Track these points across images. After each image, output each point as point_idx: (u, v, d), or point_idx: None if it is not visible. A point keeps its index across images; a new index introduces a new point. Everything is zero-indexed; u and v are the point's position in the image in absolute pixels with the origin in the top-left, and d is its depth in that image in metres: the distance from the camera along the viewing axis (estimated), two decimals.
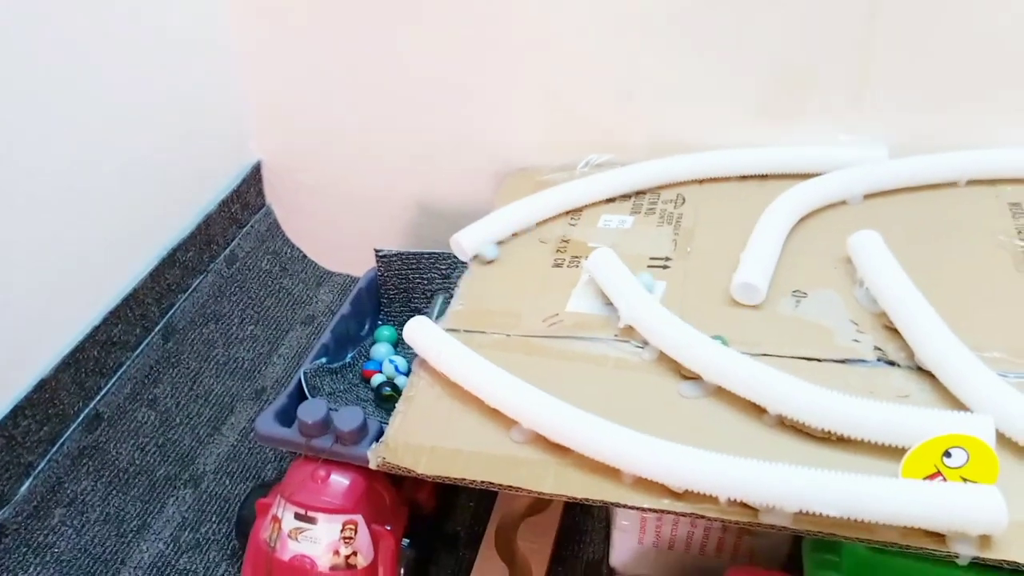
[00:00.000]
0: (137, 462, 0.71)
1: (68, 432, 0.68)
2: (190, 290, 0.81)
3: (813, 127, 0.70)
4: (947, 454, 0.41)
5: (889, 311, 0.52)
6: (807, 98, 0.68)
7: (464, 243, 0.67)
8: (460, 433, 0.51)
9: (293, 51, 0.82)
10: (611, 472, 0.46)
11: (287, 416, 0.60)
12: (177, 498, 0.71)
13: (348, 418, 0.56)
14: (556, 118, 0.78)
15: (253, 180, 0.90)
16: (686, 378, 0.51)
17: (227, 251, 0.86)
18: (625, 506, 0.45)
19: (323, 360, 0.68)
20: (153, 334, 0.77)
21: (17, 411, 0.63)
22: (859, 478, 0.40)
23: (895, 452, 0.43)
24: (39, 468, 0.65)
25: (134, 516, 0.68)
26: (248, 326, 0.85)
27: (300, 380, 0.63)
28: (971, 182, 0.65)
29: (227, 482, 0.72)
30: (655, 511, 0.44)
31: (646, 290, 0.56)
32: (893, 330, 0.51)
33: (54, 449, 0.67)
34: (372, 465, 0.51)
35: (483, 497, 0.70)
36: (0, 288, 0.63)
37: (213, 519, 0.70)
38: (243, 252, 0.88)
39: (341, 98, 0.83)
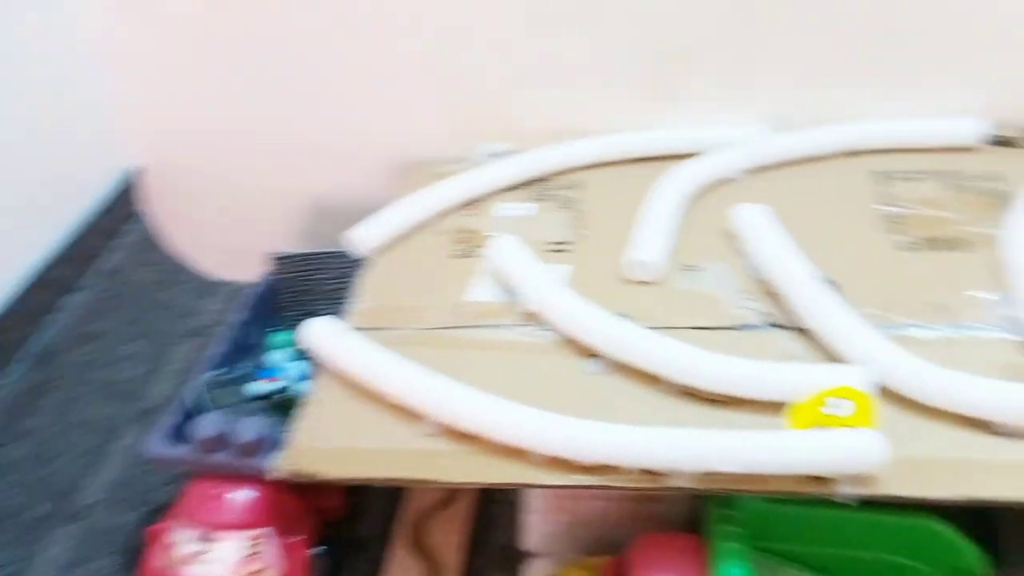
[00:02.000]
0: (11, 503, 0.65)
1: None
2: (62, 310, 0.75)
3: (698, 107, 0.72)
4: (829, 404, 0.44)
5: (772, 277, 0.55)
6: (690, 79, 0.71)
7: (361, 239, 0.65)
8: (367, 432, 0.50)
9: (165, 44, 0.76)
10: (521, 454, 0.46)
11: (179, 434, 0.56)
12: (61, 536, 0.65)
13: (247, 429, 0.53)
14: (450, 109, 0.77)
15: (127, 189, 0.85)
16: (589, 356, 0.52)
17: (101, 266, 0.80)
18: (538, 485, 0.45)
19: (218, 371, 0.64)
20: (22, 362, 0.70)
21: None
22: (753, 434, 0.42)
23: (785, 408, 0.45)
24: None
25: (9, 563, 0.62)
26: (130, 344, 0.79)
27: (192, 395, 0.60)
28: (841, 154, 0.70)
29: (116, 512, 0.67)
30: (567, 487, 0.45)
31: (548, 274, 0.57)
32: (778, 295, 0.54)
33: None
34: (277, 475, 0.49)
35: (392, 496, 0.69)
36: None
37: (103, 553, 0.64)
38: (120, 265, 0.82)
39: (220, 94, 0.78)
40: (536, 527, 0.60)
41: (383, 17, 0.72)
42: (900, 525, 0.51)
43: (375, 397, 0.51)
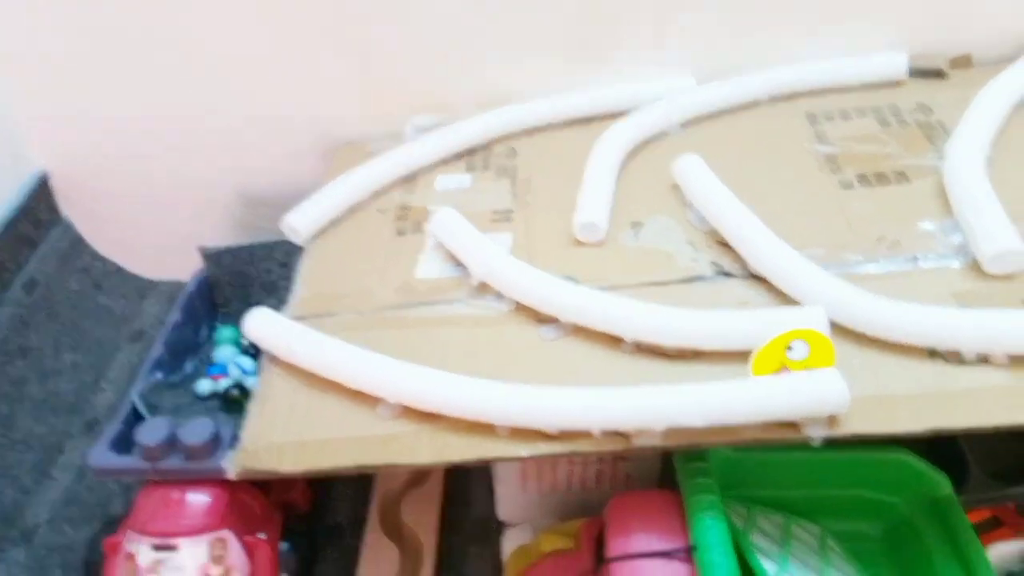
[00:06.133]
0: None
1: None
2: None
3: (627, 64, 0.71)
4: (789, 348, 0.44)
5: (719, 227, 0.54)
6: (616, 37, 0.70)
7: (297, 225, 0.63)
8: (324, 422, 0.48)
9: (54, 39, 0.71)
10: (485, 428, 0.45)
11: (125, 443, 0.53)
12: (11, 560, 0.62)
13: (196, 431, 0.51)
14: (374, 85, 0.75)
15: (42, 194, 0.80)
16: (544, 322, 0.51)
17: (24, 277, 0.76)
18: (504, 458, 0.44)
19: (159, 375, 0.61)
20: None
21: None
22: (717, 386, 0.42)
23: (745, 357, 0.45)
24: None
25: None
26: (66, 355, 0.75)
27: (136, 401, 0.57)
28: (773, 99, 0.70)
29: (67, 529, 0.64)
30: (534, 457, 0.44)
31: (494, 244, 0.55)
32: (726, 244, 0.54)
33: None
34: (232, 475, 0.47)
35: (361, 482, 0.67)
36: None
37: (58, 573, 0.62)
38: (44, 275, 0.78)
39: (122, 86, 0.74)
40: (509, 497, 0.60)
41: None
42: (868, 460, 0.52)
43: (326, 385, 0.49)
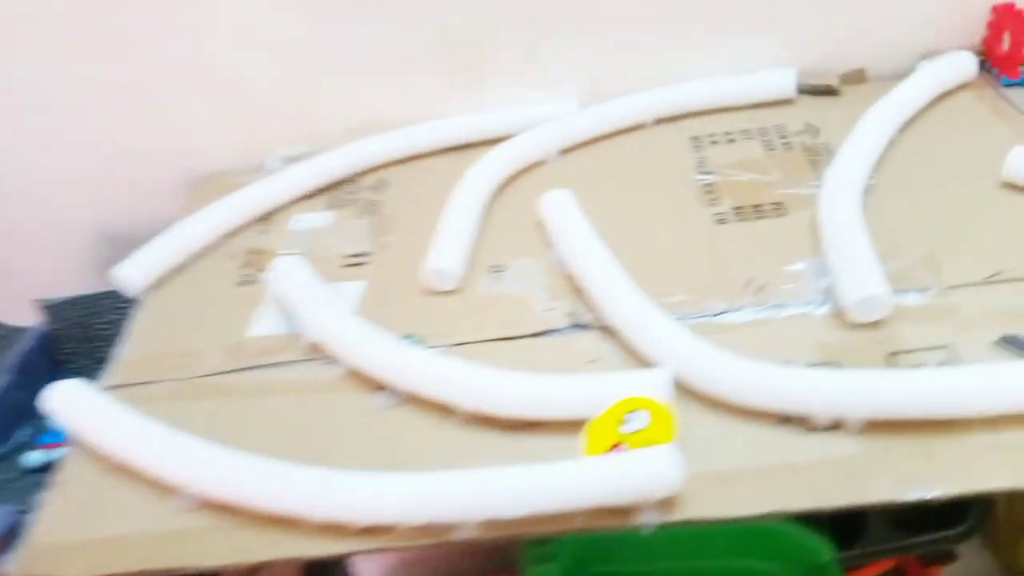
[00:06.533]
0: None
1: None
2: None
3: (502, 88, 0.66)
4: (624, 420, 0.39)
5: (576, 271, 0.50)
6: (486, 59, 0.65)
7: (129, 276, 0.57)
8: (120, 515, 0.42)
9: None
10: (289, 523, 0.40)
11: None
12: None
13: None
14: (239, 112, 0.69)
15: None
16: (378, 389, 0.46)
17: None
18: (312, 557, 0.39)
19: None
20: None
21: None
22: (534, 472, 0.37)
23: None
24: None
25: None
26: None
27: None
28: (658, 121, 0.65)
29: None
30: (342, 555, 0.39)
31: (334, 297, 0.50)
32: (582, 291, 0.49)
33: None
34: None
35: None
36: None
37: None
38: None
39: None
40: (369, 572, 0.55)
41: (156, 23, 0.63)
42: (745, 530, 0.48)
43: (127, 471, 0.44)
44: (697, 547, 0.48)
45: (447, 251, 0.52)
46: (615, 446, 0.39)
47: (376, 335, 0.47)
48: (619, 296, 0.46)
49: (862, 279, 0.43)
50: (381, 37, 0.64)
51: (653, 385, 0.40)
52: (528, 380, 0.42)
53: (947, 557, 0.61)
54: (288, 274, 0.52)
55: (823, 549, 0.47)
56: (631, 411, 0.39)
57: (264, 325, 0.52)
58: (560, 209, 0.54)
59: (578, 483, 0.36)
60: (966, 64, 0.63)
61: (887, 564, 0.56)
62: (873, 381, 0.38)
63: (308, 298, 0.50)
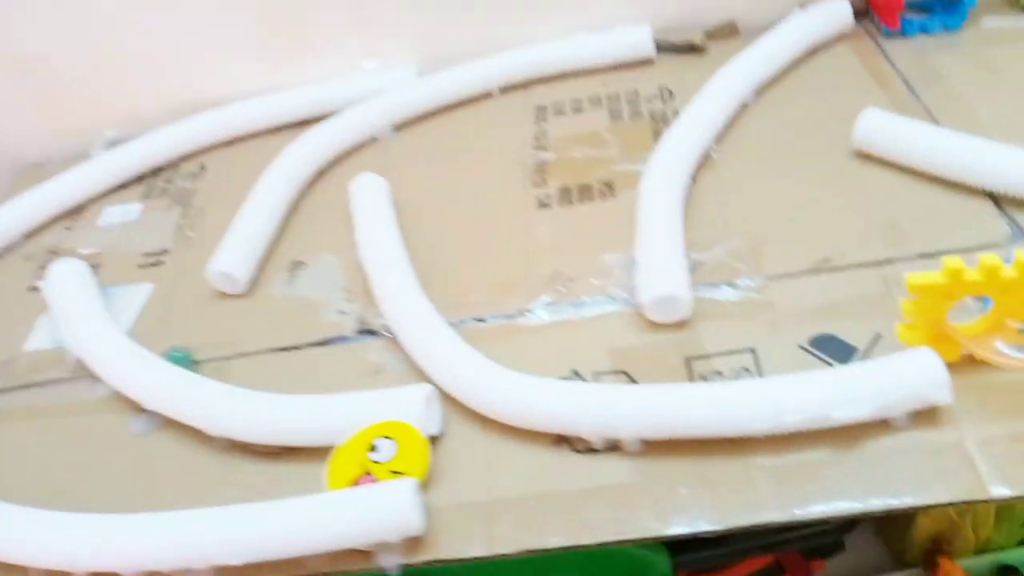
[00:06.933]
0: None
1: None
2: None
3: (332, 60, 0.60)
4: (375, 447, 0.35)
5: (367, 271, 0.45)
6: (310, 28, 0.59)
7: None
8: None
9: None
10: (17, 570, 0.36)
11: None
12: None
13: None
14: (45, 97, 0.63)
15: None
16: (140, 412, 0.42)
17: None
18: None
19: None
20: None
21: None
22: (265, 510, 0.33)
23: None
24: None
25: None
26: None
27: None
28: (505, 89, 0.59)
29: None
30: None
31: (101, 307, 0.45)
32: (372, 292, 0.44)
33: None
34: None
35: None
36: None
37: None
38: None
39: None
40: None
41: None
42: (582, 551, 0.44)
43: None
44: (538, 570, 0.45)
45: (233, 251, 0.47)
46: (362, 476, 0.35)
47: (133, 351, 0.42)
48: (398, 299, 0.41)
49: (660, 276, 0.39)
50: (202, 9, 0.58)
51: (409, 406, 0.36)
52: (279, 403, 0.37)
53: (834, 548, 0.57)
54: (61, 277, 0.47)
55: (660, 562, 0.43)
56: (381, 436, 0.35)
57: (41, 338, 0.47)
58: (365, 197, 0.48)
59: (313, 522, 0.32)
60: (840, 12, 0.56)
61: (761, 561, 0.52)
62: (645, 398, 0.34)
63: (74, 308, 0.45)
